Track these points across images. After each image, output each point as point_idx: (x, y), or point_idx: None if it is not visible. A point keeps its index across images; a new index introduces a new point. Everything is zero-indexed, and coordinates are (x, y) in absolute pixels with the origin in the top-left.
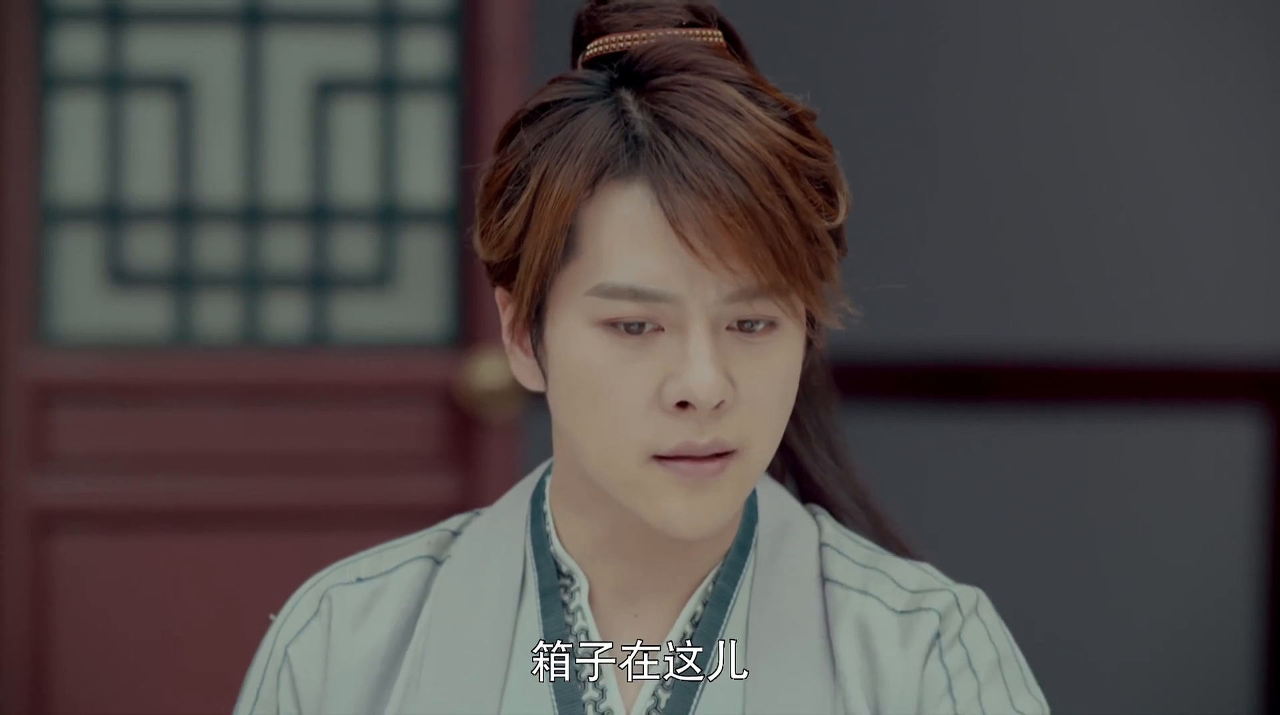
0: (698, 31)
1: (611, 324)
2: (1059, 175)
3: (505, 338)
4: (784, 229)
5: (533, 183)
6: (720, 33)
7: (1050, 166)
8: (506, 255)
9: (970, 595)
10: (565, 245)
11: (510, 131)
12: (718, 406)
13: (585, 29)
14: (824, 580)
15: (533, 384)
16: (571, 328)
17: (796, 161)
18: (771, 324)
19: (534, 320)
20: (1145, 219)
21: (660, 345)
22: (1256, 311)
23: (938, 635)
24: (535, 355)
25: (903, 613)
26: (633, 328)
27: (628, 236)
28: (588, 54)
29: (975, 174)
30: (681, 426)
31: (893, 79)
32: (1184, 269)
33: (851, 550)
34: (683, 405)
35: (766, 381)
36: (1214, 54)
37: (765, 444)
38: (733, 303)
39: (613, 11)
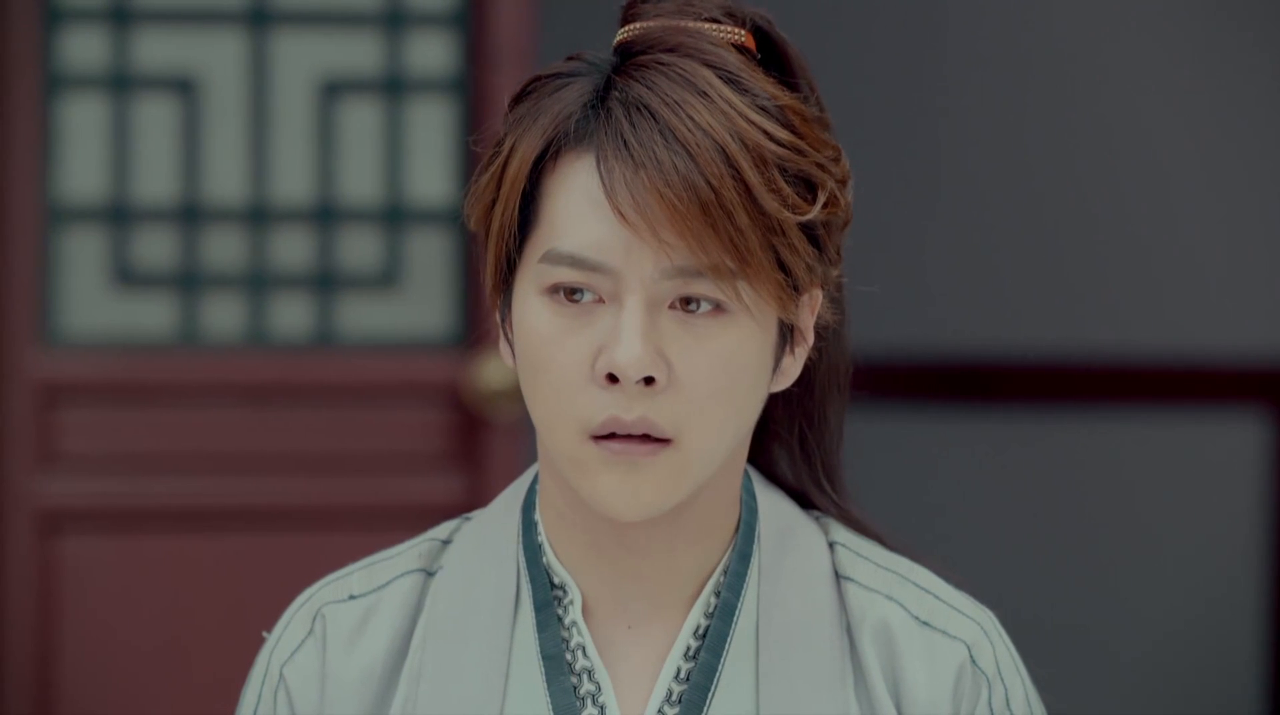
0: (719, 27)
1: (555, 291)
2: (1062, 175)
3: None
4: (731, 211)
5: (504, 150)
6: (743, 33)
7: (1053, 167)
8: (480, 223)
9: (999, 638)
10: (530, 214)
11: (512, 103)
12: (649, 384)
13: (619, 20)
14: (839, 577)
15: (510, 361)
16: (525, 297)
17: (763, 148)
18: (719, 308)
19: (504, 293)
20: (1148, 219)
21: (598, 317)
22: (1259, 311)
23: (987, 695)
24: (505, 329)
25: (925, 624)
26: (575, 296)
27: (576, 204)
28: (614, 42)
29: (978, 174)
30: (610, 400)
31: (895, 78)
32: (1187, 269)
33: (870, 552)
34: (612, 379)
35: (707, 366)
36: (1215, 55)
37: (704, 437)
38: (671, 279)
39: (641, 2)
